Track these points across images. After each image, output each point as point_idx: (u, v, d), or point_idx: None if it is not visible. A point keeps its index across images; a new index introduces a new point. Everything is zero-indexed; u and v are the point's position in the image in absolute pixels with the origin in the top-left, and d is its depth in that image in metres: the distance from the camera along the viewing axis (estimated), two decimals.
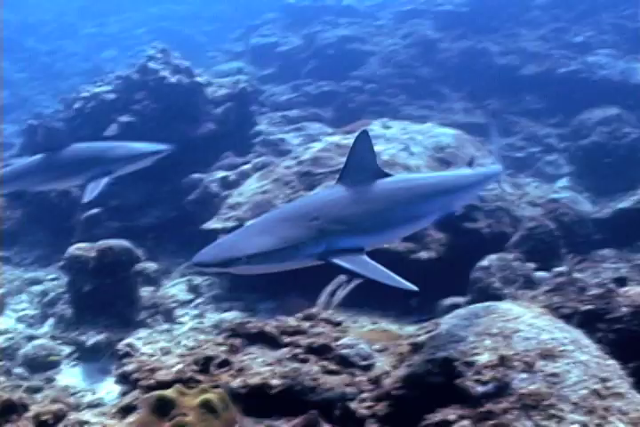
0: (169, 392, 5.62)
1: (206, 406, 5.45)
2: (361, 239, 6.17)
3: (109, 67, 24.50)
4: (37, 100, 32.17)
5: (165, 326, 11.93)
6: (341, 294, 9.88)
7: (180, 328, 11.86)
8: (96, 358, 11.34)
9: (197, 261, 5.73)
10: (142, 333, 11.36)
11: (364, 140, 6.46)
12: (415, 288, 5.80)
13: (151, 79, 16.98)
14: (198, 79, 17.40)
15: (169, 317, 12.19)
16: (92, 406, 8.80)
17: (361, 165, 6.44)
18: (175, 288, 13.31)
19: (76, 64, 36.91)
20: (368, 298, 10.22)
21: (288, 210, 6.69)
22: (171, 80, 16.84)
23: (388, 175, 6.71)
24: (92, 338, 11.72)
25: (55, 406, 6.34)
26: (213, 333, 10.99)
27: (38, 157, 11.20)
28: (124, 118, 16.29)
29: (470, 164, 8.19)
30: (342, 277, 9.89)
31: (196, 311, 12.42)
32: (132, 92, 16.94)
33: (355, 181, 6.39)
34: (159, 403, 5.53)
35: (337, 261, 5.87)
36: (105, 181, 10.85)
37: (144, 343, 10.10)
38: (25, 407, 6.31)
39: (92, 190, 10.80)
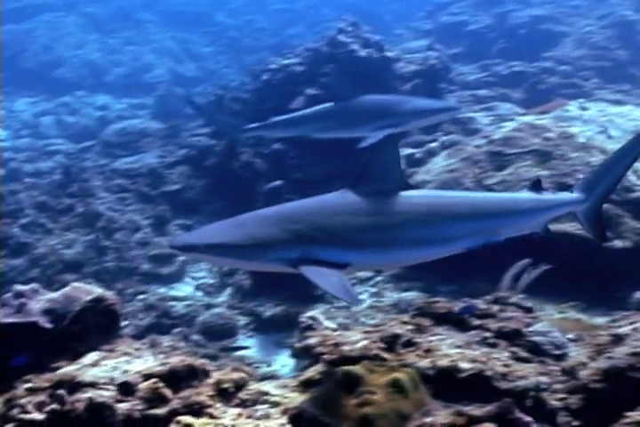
0: (356, 368, 5.38)
1: (395, 386, 5.19)
2: (349, 255, 5.61)
3: (295, 43, 24.60)
4: (223, 73, 32.74)
5: (343, 303, 11.75)
6: (527, 278, 9.46)
7: (359, 305, 11.67)
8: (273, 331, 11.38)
9: (168, 241, 5.68)
10: (320, 308, 11.23)
11: (389, 146, 5.89)
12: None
13: (340, 52, 16.83)
14: (388, 54, 17.16)
15: None
16: (266, 378, 8.67)
17: (380, 173, 5.79)
18: None
19: (262, 39, 37.28)
20: (553, 286, 9.80)
21: (279, 208, 6.08)
22: (360, 54, 16.65)
23: (413, 189, 6.12)
24: (270, 310, 11.71)
25: (236, 375, 6.19)
26: (392, 312, 10.77)
27: (327, 104, 11.39)
28: (311, 91, 16.16)
29: (536, 186, 6.77)
30: (526, 261, 9.46)
31: (374, 289, 12.18)
32: (321, 65, 16.83)
33: (367, 190, 5.79)
34: (346, 379, 5.30)
35: (304, 271, 5.38)
36: (387, 132, 10.92)
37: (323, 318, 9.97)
38: (206, 374, 6.19)
39: (371, 139, 10.86)
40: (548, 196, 6.79)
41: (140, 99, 29.26)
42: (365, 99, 11.58)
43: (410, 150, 14.92)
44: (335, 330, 7.55)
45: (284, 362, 10.50)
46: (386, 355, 6.24)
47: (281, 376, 9.38)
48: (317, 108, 11.77)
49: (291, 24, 40.37)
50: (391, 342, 6.42)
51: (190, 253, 5.79)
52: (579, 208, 6.91)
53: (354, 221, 5.66)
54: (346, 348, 6.42)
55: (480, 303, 7.32)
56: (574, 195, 6.89)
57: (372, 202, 5.76)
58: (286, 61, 17.35)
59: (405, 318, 7.04)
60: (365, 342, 6.46)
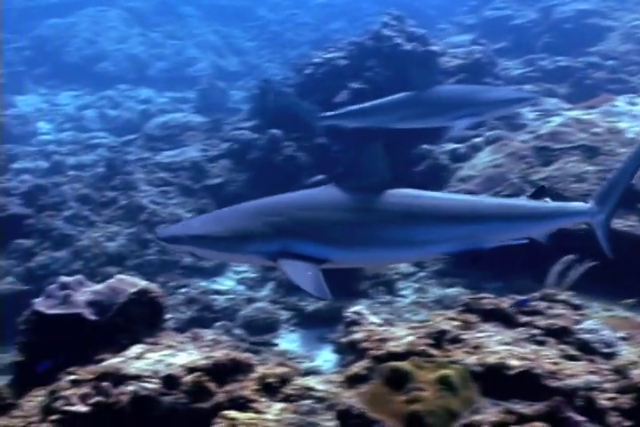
0: (404, 364, 5.30)
1: (444, 383, 5.10)
2: (326, 250, 5.59)
3: (337, 37, 24.55)
4: (265, 67, 32.74)
5: (387, 298, 11.71)
6: (573, 275, 9.33)
7: (402, 301, 11.61)
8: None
9: (155, 232, 5.75)
10: (363, 303, 11.15)
11: (376, 143, 5.76)
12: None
13: (385, 46, 16.77)
14: (433, 48, 17.02)
15: (390, 289, 11.94)
16: (309, 373, 8.63)
17: (366, 170, 5.76)
18: None
19: (304, 34, 37.35)
20: (599, 283, 9.65)
21: (264, 201, 6.08)
22: (405, 47, 16.57)
23: (399, 187, 5.95)
24: (312, 305, 11.67)
25: (281, 370, 6.14)
26: (435, 308, 10.69)
27: (403, 94, 11.38)
28: (355, 85, 16.11)
29: (539, 193, 6.53)
30: (571, 257, 9.33)
31: (417, 285, 12.11)
32: (365, 59, 16.79)
33: (351, 187, 5.76)
34: (394, 375, 5.22)
35: (281, 264, 5.42)
36: (470, 121, 10.91)
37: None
38: (250, 368, 6.14)
39: (458, 128, 10.86)
40: (550, 204, 6.54)
41: (182, 93, 29.38)
42: (443, 88, 11.60)
43: (453, 145, 14.82)
44: (380, 325, 7.45)
45: (326, 357, 10.45)
46: (433, 351, 6.15)
47: (323, 372, 9.34)
48: (394, 97, 11.68)
49: (332, 19, 40.34)
50: (438, 339, 6.33)
51: (175, 245, 5.83)
52: (595, 219, 6.71)
53: (333, 218, 5.66)
54: (392, 343, 6.34)
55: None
56: (589, 205, 6.69)
57: (353, 199, 5.73)
58: (330, 55, 17.28)
59: (452, 314, 6.95)
60: (412, 338, 6.38)
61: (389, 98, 11.73)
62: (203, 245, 5.64)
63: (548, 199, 6.56)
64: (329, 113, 12.17)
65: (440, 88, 11.50)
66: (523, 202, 6.51)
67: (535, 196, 6.50)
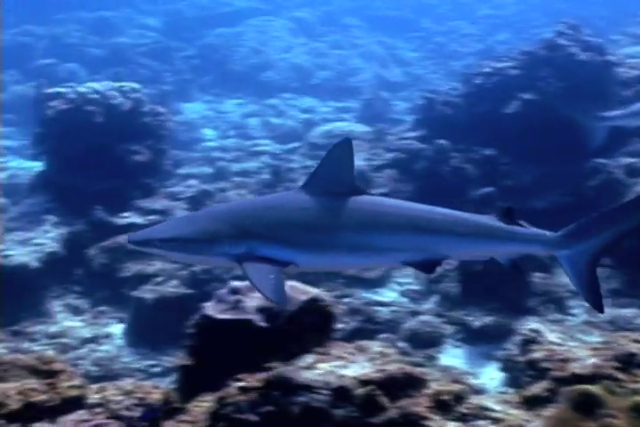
0: (594, 388, 4.96)
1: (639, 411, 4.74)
2: (290, 254, 5.46)
3: (502, 49, 24.05)
4: (429, 78, 32.58)
5: (557, 316, 11.28)
6: None
7: (573, 320, 11.18)
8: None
9: (127, 236, 5.86)
10: (531, 320, 10.78)
11: (345, 148, 5.54)
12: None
13: (558, 55, 16.33)
14: (610, 58, 16.45)
15: (561, 307, 11.51)
16: (474, 391, 8.34)
17: (333, 174, 5.59)
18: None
19: (469, 45, 37.01)
20: None
21: (233, 204, 6.29)
22: (580, 57, 16.10)
23: (366, 193, 5.73)
24: (478, 320, 11.37)
25: (456, 387, 5.88)
26: (609, 329, 10.25)
27: None
28: (526, 96, 15.76)
29: (506, 215, 5.79)
30: None
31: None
32: (537, 69, 16.41)
33: (317, 191, 5.59)
34: (582, 399, 4.89)
35: (244, 266, 5.28)
36: None
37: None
38: (423, 383, 5.90)
39: None
40: (507, 228, 5.87)
41: (344, 102, 29.45)
42: None
43: (630, 159, 14.24)
44: (560, 345, 7.11)
45: (491, 375, 10.12)
46: (620, 375, 5.79)
47: (488, 390, 9.02)
48: None
49: (498, 29, 39.84)
50: (626, 362, 5.95)
51: (146, 248, 5.77)
52: (559, 253, 5.89)
53: (297, 221, 5.59)
54: (575, 365, 6.02)
55: None
56: (553, 235, 5.90)
57: (318, 203, 5.61)
58: (501, 65, 16.97)
59: (638, 336, 6.56)
60: (596, 360, 6.04)
61: None
62: (172, 248, 5.61)
63: (523, 222, 5.96)
64: (613, 113, 11.81)
65: None
66: (484, 220, 5.89)
67: (503, 217, 5.89)
